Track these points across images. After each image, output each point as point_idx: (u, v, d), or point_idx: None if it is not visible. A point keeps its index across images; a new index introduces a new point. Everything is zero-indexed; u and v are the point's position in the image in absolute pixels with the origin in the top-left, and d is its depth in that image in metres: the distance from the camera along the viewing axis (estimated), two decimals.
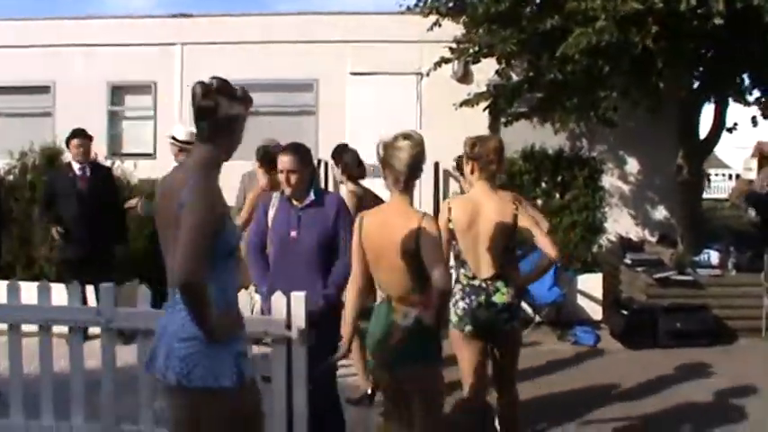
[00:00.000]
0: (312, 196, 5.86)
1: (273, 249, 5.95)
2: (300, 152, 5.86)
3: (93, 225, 9.68)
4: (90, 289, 8.28)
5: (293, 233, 5.82)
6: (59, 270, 10.43)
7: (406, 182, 4.75)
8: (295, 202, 5.84)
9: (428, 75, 13.42)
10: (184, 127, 8.91)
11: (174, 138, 8.83)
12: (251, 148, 13.05)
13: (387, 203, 5.09)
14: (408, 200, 4.79)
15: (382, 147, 4.81)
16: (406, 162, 4.70)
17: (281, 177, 5.82)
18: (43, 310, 5.59)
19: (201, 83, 3.89)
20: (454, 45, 13.07)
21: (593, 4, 9.75)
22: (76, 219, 9.84)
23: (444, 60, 12.94)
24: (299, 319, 5.16)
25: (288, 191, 5.82)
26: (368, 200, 8.42)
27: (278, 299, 5.25)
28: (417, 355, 4.66)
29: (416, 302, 4.64)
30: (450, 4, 12.62)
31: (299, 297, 5.17)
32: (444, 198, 13.49)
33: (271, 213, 6.11)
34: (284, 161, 5.80)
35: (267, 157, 7.90)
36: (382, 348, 4.76)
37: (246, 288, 7.29)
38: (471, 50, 12.56)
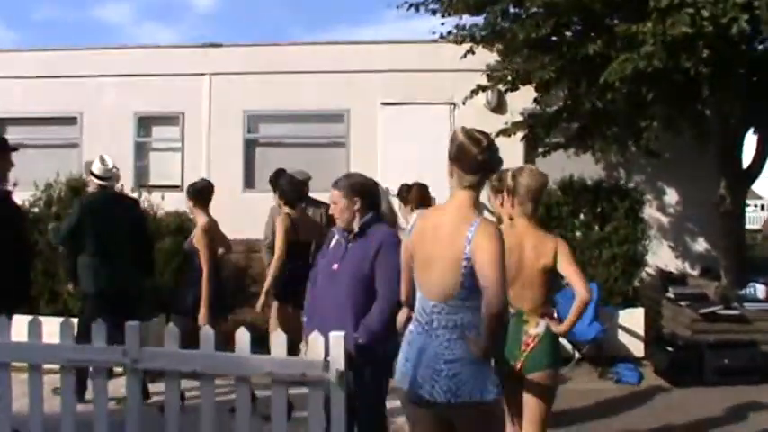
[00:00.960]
0: (357, 228, 5.56)
1: (318, 284, 5.71)
2: (343, 183, 5.64)
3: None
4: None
5: (335, 266, 5.54)
6: (83, 305, 10.13)
7: (533, 207, 5.48)
8: (344, 235, 5.64)
9: (464, 104, 13.13)
10: (103, 162, 8.93)
11: (92, 173, 8.92)
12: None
13: (511, 227, 5.41)
14: (537, 222, 5.51)
15: (510, 176, 5.47)
16: (534, 188, 5.45)
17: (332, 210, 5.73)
18: (66, 349, 5.27)
19: (475, 138, 4.38)
20: (488, 73, 12.84)
21: (642, 28, 9.42)
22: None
23: (481, 88, 12.69)
24: (338, 361, 4.82)
25: (338, 223, 5.67)
26: (305, 223, 9.10)
27: (315, 339, 4.92)
28: (549, 359, 5.36)
29: (545, 312, 5.39)
30: (484, 33, 12.32)
31: (337, 337, 4.83)
32: None
33: (332, 243, 5.90)
34: (333, 195, 5.62)
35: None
36: (516, 357, 5.30)
37: None
38: (509, 78, 12.24)
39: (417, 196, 9.60)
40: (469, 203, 4.25)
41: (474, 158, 4.26)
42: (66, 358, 5.26)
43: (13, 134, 14.85)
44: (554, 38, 10.94)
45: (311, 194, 10.68)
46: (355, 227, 5.53)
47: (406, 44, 15.05)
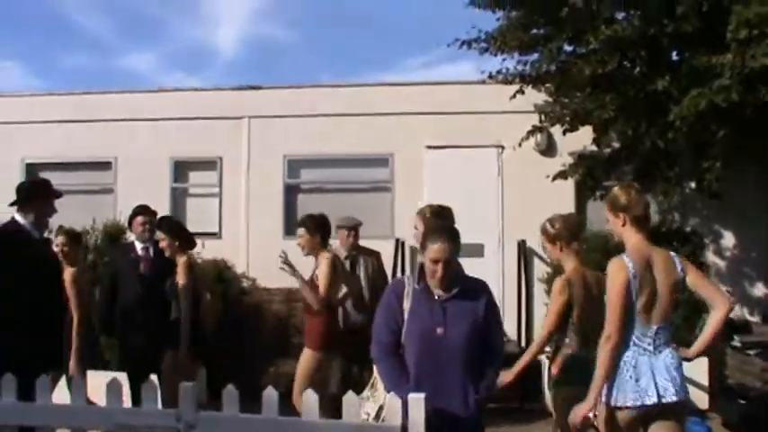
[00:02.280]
0: (457, 286, 5.17)
1: (414, 349, 5.15)
2: (455, 239, 5.20)
3: (155, 309, 8.76)
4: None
5: (439, 330, 5.10)
6: (121, 358, 9.74)
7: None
8: (437, 293, 5.17)
9: (520, 145, 12.82)
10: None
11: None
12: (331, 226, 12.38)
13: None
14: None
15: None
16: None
17: (429, 267, 5.13)
18: (114, 413, 4.82)
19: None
20: (542, 113, 12.50)
21: (721, 60, 9.03)
22: (138, 302, 9.04)
23: (538, 129, 12.32)
24: (418, 427, 4.36)
25: (436, 282, 5.14)
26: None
27: (392, 401, 4.46)
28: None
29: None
30: (536, 72, 11.99)
31: (417, 400, 4.38)
32: (527, 276, 12.78)
33: (405, 306, 5.26)
34: (439, 250, 5.07)
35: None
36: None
37: None
38: (567, 118, 11.84)
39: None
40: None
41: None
42: (115, 422, 4.81)
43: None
44: (618, 74, 10.52)
45: (361, 242, 10.30)
46: (457, 284, 5.22)
47: (451, 85, 14.65)
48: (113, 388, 4.89)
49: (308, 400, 4.67)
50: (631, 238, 5.55)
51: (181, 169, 15.40)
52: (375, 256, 10.38)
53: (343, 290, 9.10)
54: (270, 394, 4.71)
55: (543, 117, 12.50)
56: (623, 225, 5.58)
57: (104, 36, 43.34)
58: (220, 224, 14.73)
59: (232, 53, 43.55)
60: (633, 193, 5.61)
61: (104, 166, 15.42)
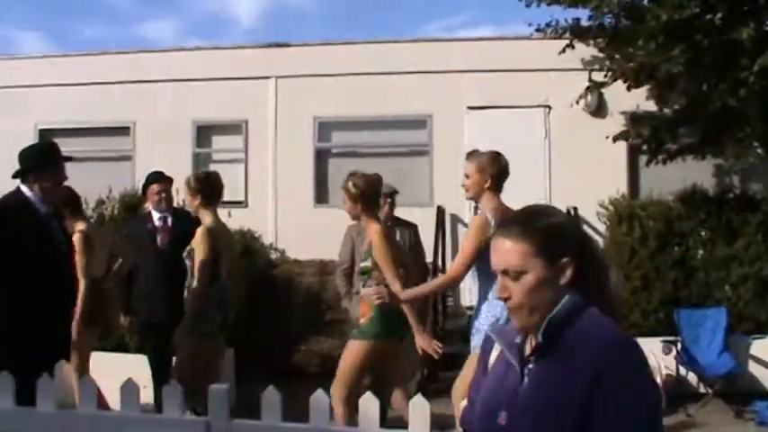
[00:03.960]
0: (542, 333, 2.57)
1: None
2: (526, 228, 2.60)
3: (177, 285, 7.95)
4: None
5: (501, 418, 2.59)
6: (141, 338, 9.04)
7: None
8: (518, 340, 2.70)
9: (577, 103, 12.33)
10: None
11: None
12: None
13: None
14: None
15: None
16: None
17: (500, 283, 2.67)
18: (129, 422, 4.08)
19: None
20: (587, 72, 11.89)
21: None
22: (156, 277, 8.24)
23: (597, 85, 11.58)
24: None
25: (516, 318, 2.65)
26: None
27: None
28: None
29: None
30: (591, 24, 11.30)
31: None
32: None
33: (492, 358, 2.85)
34: (503, 243, 2.61)
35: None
36: None
37: None
38: (630, 73, 11.10)
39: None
40: None
41: None
42: None
43: (60, 146, 14.05)
44: (694, 22, 9.74)
45: (397, 211, 9.52)
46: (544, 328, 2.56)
47: (493, 41, 13.88)
48: (129, 391, 4.14)
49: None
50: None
51: (204, 133, 14.77)
52: (413, 229, 9.58)
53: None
54: (318, 400, 3.94)
55: (603, 72, 11.72)
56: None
57: (122, 5, 43.81)
58: (246, 192, 14.09)
59: (251, 21, 43.85)
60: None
61: (122, 131, 14.87)
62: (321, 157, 14.16)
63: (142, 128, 14.66)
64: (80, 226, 7.70)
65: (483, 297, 6.20)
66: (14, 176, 6.10)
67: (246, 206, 13.83)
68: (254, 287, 11.56)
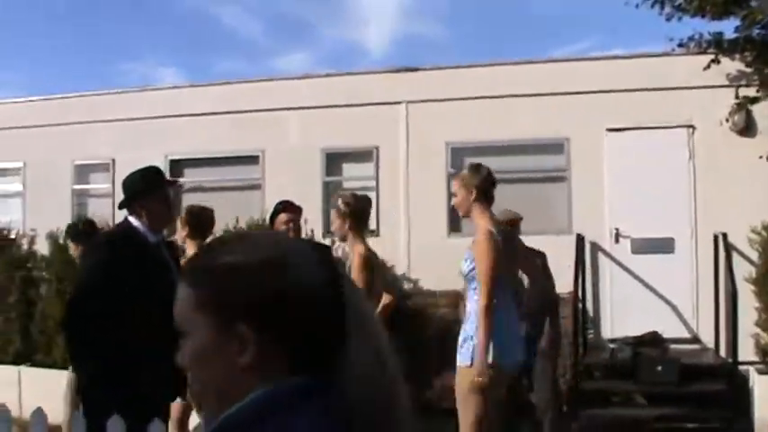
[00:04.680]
0: None
1: None
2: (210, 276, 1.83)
3: None
4: None
5: None
6: None
7: None
8: None
9: (727, 121, 11.96)
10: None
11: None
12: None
13: None
14: None
15: None
16: None
17: None
18: None
19: None
20: (734, 89, 11.49)
21: None
22: None
23: (749, 101, 11.16)
24: None
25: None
26: None
27: None
28: None
29: None
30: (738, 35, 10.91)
31: None
32: (730, 276, 11.45)
33: None
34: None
35: None
36: None
37: None
38: None
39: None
40: None
41: None
42: None
43: (189, 177, 14.18)
44: None
45: (536, 238, 9.26)
46: None
47: (632, 59, 13.45)
48: None
49: None
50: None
51: (333, 161, 14.68)
52: (540, 257, 9.28)
53: None
54: None
55: (752, 88, 11.30)
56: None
57: (256, 39, 45.34)
58: (378, 220, 13.78)
59: (382, 52, 44.96)
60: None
61: (251, 160, 14.91)
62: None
63: (271, 156, 14.69)
64: None
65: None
66: (121, 206, 5.98)
67: (378, 235, 13.61)
68: (386, 319, 11.39)
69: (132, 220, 5.84)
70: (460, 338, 6.57)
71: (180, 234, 7.78)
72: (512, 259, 6.75)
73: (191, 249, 7.49)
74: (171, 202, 6.06)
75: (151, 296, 5.44)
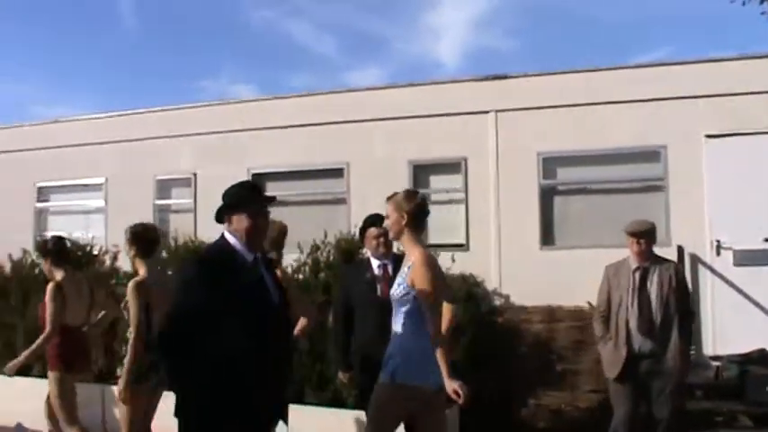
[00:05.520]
0: None
1: None
2: None
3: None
4: None
5: None
6: (360, 397, 8.73)
7: None
8: None
9: None
10: None
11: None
12: (595, 233, 11.16)
13: None
14: None
15: None
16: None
17: None
18: None
19: None
20: None
21: None
22: (378, 331, 7.47)
23: None
24: None
25: None
26: None
27: None
28: None
29: None
30: None
31: None
32: None
33: None
34: None
35: None
36: None
37: None
38: None
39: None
40: None
41: None
42: None
43: (272, 190, 14.20)
44: None
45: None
46: None
47: (731, 61, 13.10)
48: None
49: None
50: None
51: (420, 173, 14.57)
52: (674, 268, 9.00)
53: None
54: None
55: None
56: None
57: (328, 55, 46.41)
58: (467, 234, 13.77)
59: (454, 65, 45.91)
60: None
61: (336, 173, 14.96)
62: (546, 195, 13.62)
63: (356, 169, 14.71)
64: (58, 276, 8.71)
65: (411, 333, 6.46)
66: (217, 219, 5.86)
67: (467, 249, 13.52)
68: (477, 336, 11.28)
69: (228, 236, 5.69)
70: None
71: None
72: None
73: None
74: (266, 221, 5.86)
75: (248, 315, 5.35)
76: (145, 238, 8.24)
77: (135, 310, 7.74)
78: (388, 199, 6.69)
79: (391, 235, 6.82)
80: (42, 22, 52.70)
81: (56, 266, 8.85)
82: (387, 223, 6.74)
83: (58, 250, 8.94)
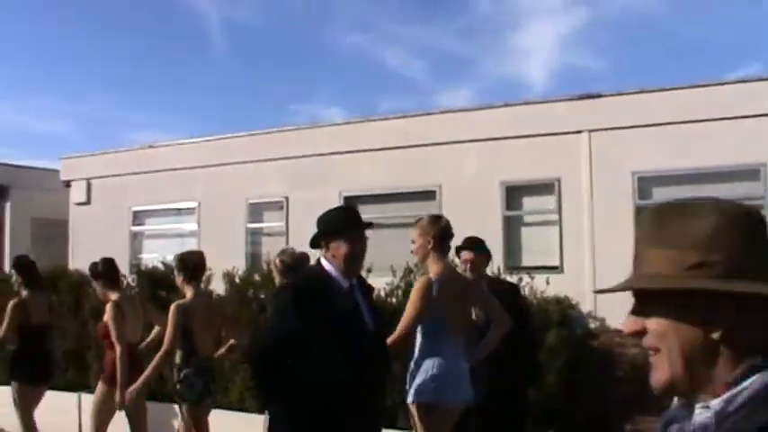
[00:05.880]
0: None
1: None
2: None
3: (496, 362, 7.46)
4: None
5: None
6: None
7: None
8: None
9: None
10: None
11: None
12: None
13: None
14: None
15: None
16: None
17: None
18: None
19: None
20: None
21: None
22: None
23: None
24: None
25: None
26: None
27: None
28: None
29: None
30: None
31: None
32: None
33: None
34: None
35: None
36: None
37: None
38: None
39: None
40: None
41: None
42: None
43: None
44: None
45: None
46: None
47: None
48: None
49: None
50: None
51: (513, 194, 14.54)
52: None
53: None
54: None
55: None
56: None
57: (417, 78, 47.10)
58: (561, 256, 13.66)
59: (543, 85, 46.20)
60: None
61: (428, 195, 14.97)
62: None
63: (448, 191, 14.71)
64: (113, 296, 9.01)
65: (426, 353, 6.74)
66: (313, 245, 5.85)
67: (562, 271, 13.41)
68: (572, 359, 11.18)
69: (325, 263, 5.68)
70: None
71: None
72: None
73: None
74: (363, 247, 5.82)
75: (342, 343, 5.33)
76: (191, 264, 8.71)
77: (171, 329, 8.19)
78: (414, 224, 7.03)
79: (418, 259, 7.13)
80: (134, 48, 53.91)
81: (108, 288, 9.19)
82: (413, 248, 6.96)
83: (108, 271, 9.29)
